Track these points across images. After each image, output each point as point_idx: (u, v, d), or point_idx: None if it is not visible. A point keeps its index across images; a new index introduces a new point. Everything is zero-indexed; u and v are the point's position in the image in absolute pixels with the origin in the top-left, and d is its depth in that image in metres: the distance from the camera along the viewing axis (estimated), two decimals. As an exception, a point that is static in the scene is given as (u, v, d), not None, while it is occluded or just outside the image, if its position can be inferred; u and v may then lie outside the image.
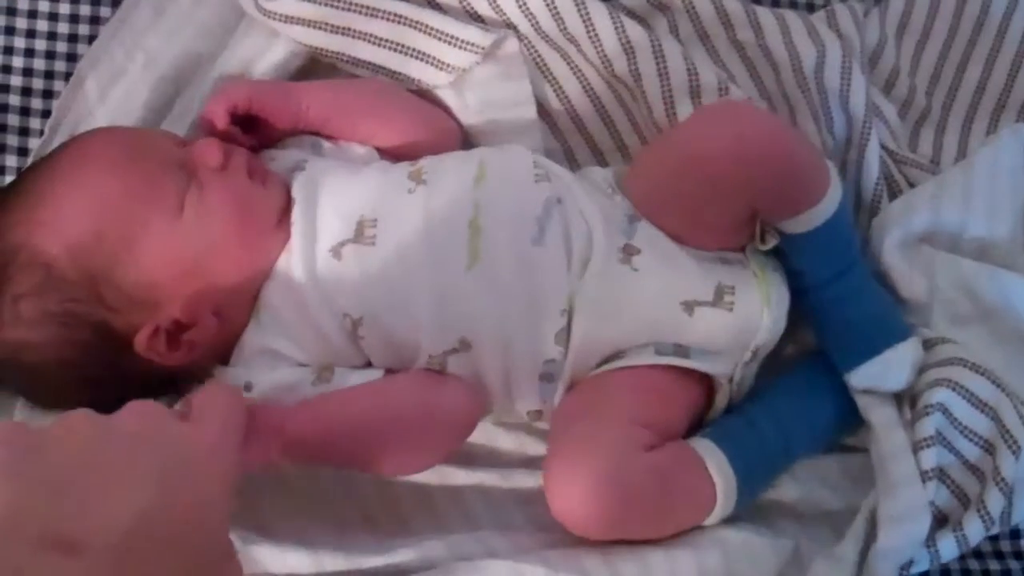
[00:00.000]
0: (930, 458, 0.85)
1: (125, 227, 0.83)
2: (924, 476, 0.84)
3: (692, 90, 0.96)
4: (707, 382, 0.90)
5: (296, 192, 0.89)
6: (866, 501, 0.87)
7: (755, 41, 1.00)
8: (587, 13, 0.96)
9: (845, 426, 0.93)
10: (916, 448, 0.85)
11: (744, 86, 0.99)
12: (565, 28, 0.97)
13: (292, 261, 0.86)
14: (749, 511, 0.88)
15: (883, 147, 0.99)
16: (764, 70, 1.00)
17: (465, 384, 0.87)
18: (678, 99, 0.96)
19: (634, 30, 0.96)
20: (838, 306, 0.90)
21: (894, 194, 0.98)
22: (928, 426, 0.86)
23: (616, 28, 0.96)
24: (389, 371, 0.88)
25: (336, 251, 0.86)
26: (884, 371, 0.89)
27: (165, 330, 0.85)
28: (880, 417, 0.88)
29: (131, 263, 0.83)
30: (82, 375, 0.86)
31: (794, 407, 0.91)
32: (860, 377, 0.90)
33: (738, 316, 0.88)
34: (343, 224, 0.87)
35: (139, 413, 0.67)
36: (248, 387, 0.86)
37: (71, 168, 0.86)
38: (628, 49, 0.96)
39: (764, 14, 1.01)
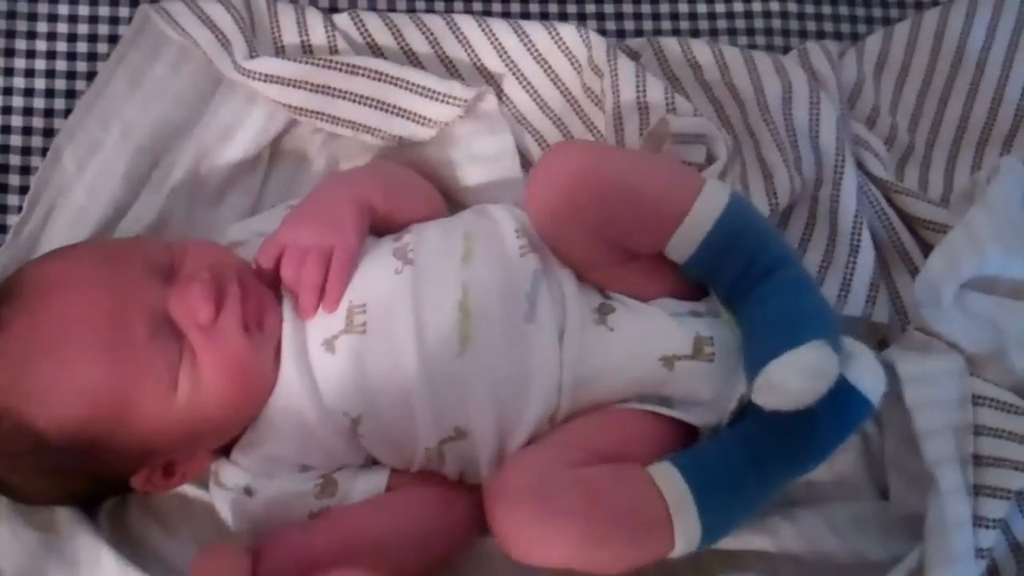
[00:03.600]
0: (990, 538, 0.82)
1: (117, 408, 0.80)
2: (979, 553, 0.81)
3: (640, 107, 0.97)
4: (692, 432, 0.87)
5: (284, 290, 0.86)
6: (911, 555, 0.83)
7: (721, 80, 1.01)
8: (564, 45, 0.99)
9: (838, 430, 0.84)
10: (977, 522, 0.82)
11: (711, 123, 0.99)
12: (549, 66, 0.99)
13: (286, 369, 0.84)
14: (755, 561, 0.85)
15: (873, 178, 0.99)
16: (730, 107, 1.00)
17: (470, 501, 0.86)
18: (626, 116, 0.97)
19: (599, 51, 0.98)
20: (742, 317, 0.84)
21: (887, 227, 0.98)
22: (997, 509, 0.82)
23: (588, 52, 0.99)
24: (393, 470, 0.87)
25: (329, 344, 0.84)
26: (771, 385, 0.79)
27: (161, 467, 0.84)
28: (948, 482, 0.82)
29: (125, 435, 0.81)
30: (70, 494, 0.86)
31: (762, 416, 0.82)
32: (757, 395, 0.80)
33: (719, 366, 0.86)
34: (332, 313, 0.85)
35: None
36: (249, 492, 0.85)
37: (51, 333, 0.80)
38: (600, 75, 0.98)
39: (731, 53, 1.02)
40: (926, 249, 0.96)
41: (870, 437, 0.91)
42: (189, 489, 0.89)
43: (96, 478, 0.84)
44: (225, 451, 0.87)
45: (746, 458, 0.82)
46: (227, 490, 0.85)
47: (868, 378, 0.81)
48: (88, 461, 0.81)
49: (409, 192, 0.94)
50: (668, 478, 0.80)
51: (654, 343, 0.86)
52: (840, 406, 0.81)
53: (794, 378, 0.78)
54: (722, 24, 1.09)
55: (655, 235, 0.84)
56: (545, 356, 0.84)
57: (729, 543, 0.85)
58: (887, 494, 0.89)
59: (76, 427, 0.79)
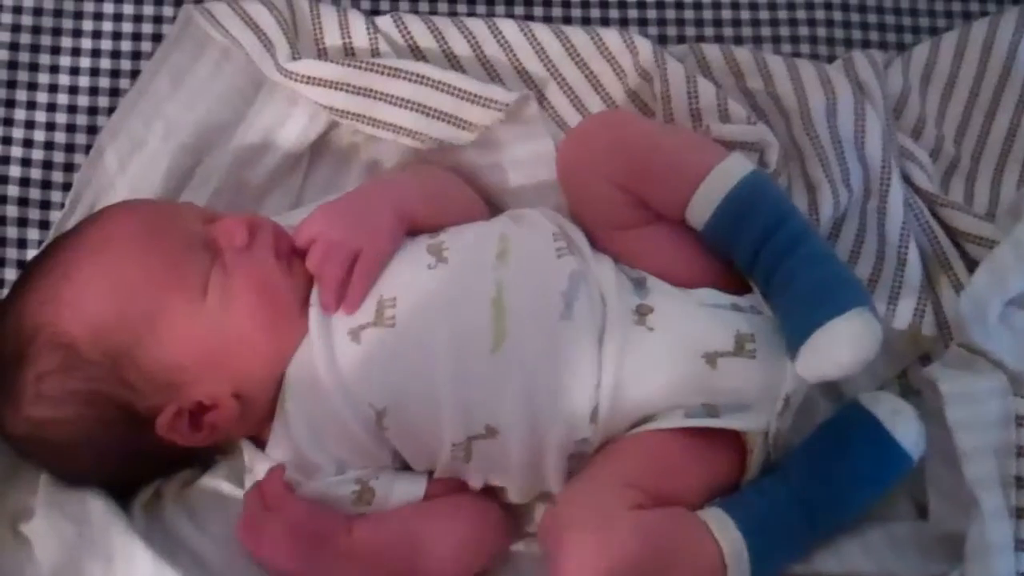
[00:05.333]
0: None
1: (147, 309, 0.83)
2: None
3: (692, 113, 0.96)
4: (740, 444, 0.87)
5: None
6: None
7: (764, 89, 1.00)
8: (608, 51, 0.99)
9: (881, 484, 0.87)
10: (1019, 546, 0.81)
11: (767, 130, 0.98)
12: (591, 72, 0.99)
13: (312, 348, 0.85)
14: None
15: (918, 190, 0.98)
16: (774, 118, 1.00)
17: (503, 511, 0.88)
18: (678, 121, 0.97)
19: (647, 55, 0.98)
20: (773, 290, 0.85)
21: (932, 240, 0.96)
22: None
23: (633, 58, 0.98)
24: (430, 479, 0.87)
25: (355, 334, 0.85)
26: (817, 354, 0.81)
27: (187, 412, 0.84)
28: (990, 504, 0.81)
29: (153, 344, 0.82)
30: (104, 452, 0.86)
31: (813, 467, 0.86)
32: (801, 365, 0.82)
33: (762, 363, 0.85)
34: (362, 305, 0.85)
35: None
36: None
37: (94, 247, 0.85)
38: (647, 79, 0.98)
39: (774, 61, 1.01)
40: (971, 263, 0.95)
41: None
42: (225, 485, 0.89)
43: (124, 410, 0.83)
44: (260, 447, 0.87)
45: (792, 507, 0.84)
46: None
47: (911, 435, 0.83)
48: (117, 382, 0.82)
49: (451, 202, 0.94)
50: (723, 527, 0.81)
51: (695, 340, 0.85)
52: (883, 458, 0.84)
53: (841, 345, 0.79)
54: (766, 31, 1.08)
55: (676, 192, 0.86)
56: (581, 354, 0.84)
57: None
58: (925, 512, 0.88)
59: (107, 331, 0.81)
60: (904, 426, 0.83)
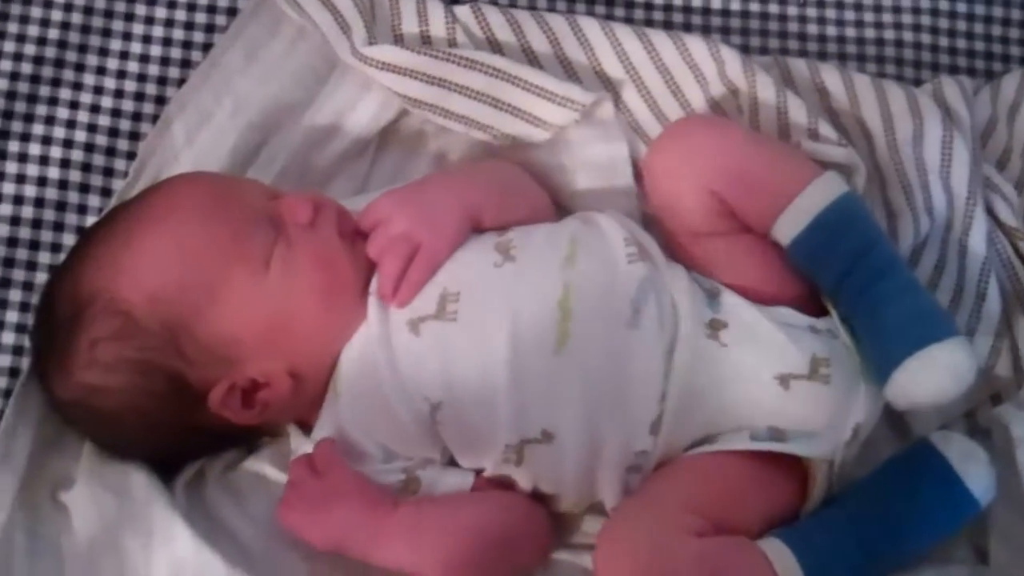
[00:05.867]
0: None
1: (209, 280, 0.82)
2: None
3: (780, 127, 0.95)
4: (803, 472, 0.85)
5: None
6: None
7: (849, 109, 0.98)
8: (691, 58, 0.97)
9: (947, 528, 0.85)
10: None
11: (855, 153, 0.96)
12: (671, 78, 0.97)
13: (369, 334, 0.84)
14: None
15: (1000, 224, 0.95)
16: (857, 139, 0.97)
17: (548, 515, 0.86)
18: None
19: (734, 66, 0.95)
20: (861, 314, 0.84)
21: (1012, 277, 0.94)
22: None
23: (718, 67, 0.96)
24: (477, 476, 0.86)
25: (414, 326, 0.84)
26: (913, 380, 0.79)
27: (240, 388, 0.83)
28: None
29: (212, 316, 0.82)
30: (152, 424, 0.85)
31: (878, 504, 0.84)
32: (893, 390, 0.80)
33: (836, 389, 0.84)
34: (424, 297, 0.84)
35: None
36: None
37: (158, 215, 0.84)
38: (732, 90, 0.96)
39: (861, 81, 0.99)
40: (1053, 304, 0.92)
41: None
42: (269, 469, 0.88)
43: (177, 382, 0.83)
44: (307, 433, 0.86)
45: (853, 544, 0.82)
46: None
47: (982, 481, 0.82)
48: (172, 352, 0.82)
49: (521, 200, 0.93)
50: (783, 561, 0.79)
51: (769, 360, 0.84)
52: (950, 502, 0.83)
53: (939, 373, 0.78)
54: (851, 49, 1.06)
55: (769, 204, 0.84)
56: (647, 364, 0.82)
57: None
58: (985, 556, 0.86)
59: (166, 300, 0.81)
60: (975, 471, 0.82)
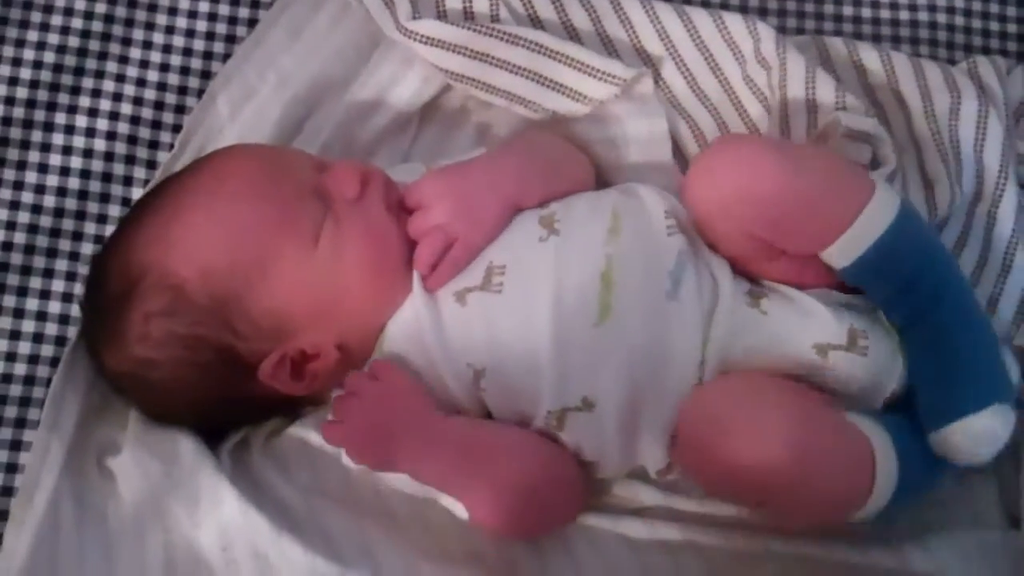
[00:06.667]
0: None
1: (259, 256, 0.83)
2: None
3: (808, 104, 0.95)
4: None
5: None
6: None
7: (887, 84, 0.99)
8: (729, 35, 0.98)
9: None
10: None
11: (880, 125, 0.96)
12: (710, 55, 0.98)
13: (416, 304, 0.85)
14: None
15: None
16: (893, 114, 0.99)
17: (583, 473, 0.87)
18: (793, 112, 0.95)
19: (768, 43, 0.96)
20: (913, 345, 0.84)
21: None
22: None
23: (754, 44, 0.97)
24: None
25: (461, 296, 0.85)
26: (951, 446, 0.80)
27: (290, 360, 0.84)
28: None
29: (262, 292, 0.83)
30: (200, 394, 0.86)
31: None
32: (935, 446, 0.81)
33: (874, 362, 0.85)
34: (471, 270, 0.86)
35: None
36: None
37: (208, 189, 0.85)
38: (767, 68, 0.96)
39: (899, 60, 1.00)
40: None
41: (1004, 466, 0.89)
42: (313, 436, 0.89)
43: (226, 355, 0.84)
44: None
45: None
46: None
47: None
48: (222, 327, 0.83)
49: (563, 178, 0.92)
50: (869, 424, 0.80)
51: (808, 329, 0.84)
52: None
53: (977, 443, 0.80)
54: (886, 31, 1.07)
55: (814, 243, 0.82)
56: (686, 335, 0.83)
57: (853, 557, 0.85)
58: (1017, 523, 0.88)
59: (217, 276, 0.82)
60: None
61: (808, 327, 0.85)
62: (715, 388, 0.83)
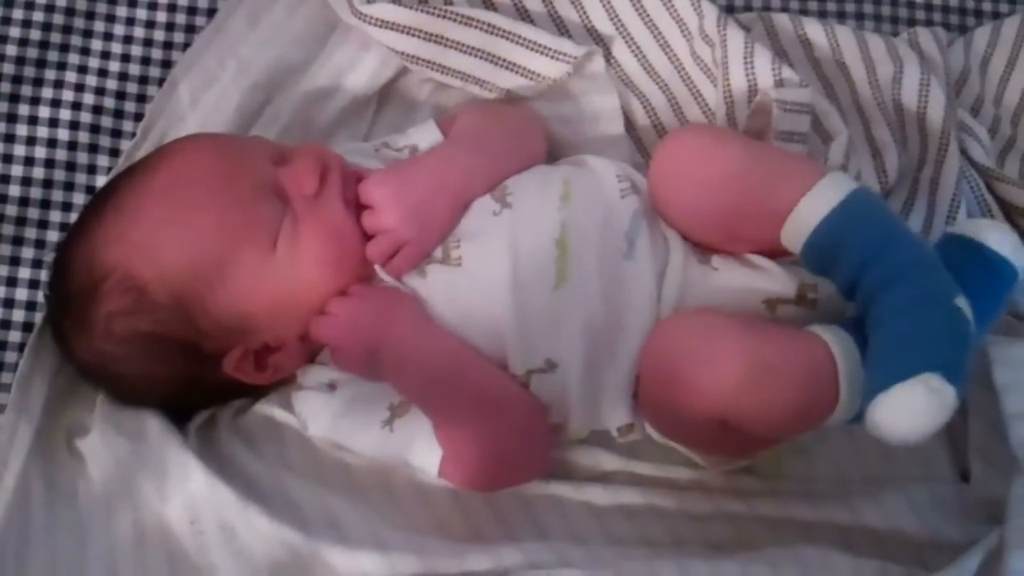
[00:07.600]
0: None
1: (218, 261, 0.84)
2: None
3: (748, 78, 0.96)
4: None
5: None
6: (990, 536, 0.81)
7: (832, 57, 1.01)
8: (676, 13, 1.00)
9: (983, 309, 0.80)
10: None
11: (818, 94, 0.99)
12: (659, 32, 1.00)
13: (378, 279, 0.87)
14: (832, 533, 0.85)
15: (974, 163, 0.99)
16: (839, 85, 1.01)
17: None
18: (735, 86, 0.97)
19: (711, 19, 0.98)
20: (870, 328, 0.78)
21: (986, 214, 0.98)
22: None
23: (699, 20, 0.99)
24: None
25: (420, 270, 0.87)
26: (878, 420, 0.72)
27: (254, 352, 0.86)
28: None
29: (223, 293, 0.84)
30: (165, 385, 0.88)
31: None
32: (867, 425, 0.73)
33: (822, 314, 0.85)
34: None
35: None
36: (332, 386, 0.87)
37: (165, 188, 0.85)
38: (707, 41, 0.99)
39: (843, 32, 1.02)
40: (1025, 238, 0.96)
41: (953, 420, 0.89)
42: (278, 412, 0.90)
43: (190, 351, 0.85)
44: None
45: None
46: (309, 389, 0.88)
47: (1007, 244, 0.81)
48: (185, 325, 0.84)
49: (514, 156, 0.93)
50: (825, 328, 0.79)
51: (758, 283, 0.86)
52: (987, 273, 0.81)
53: (900, 417, 0.71)
54: (832, 7, 1.09)
55: (768, 227, 0.82)
56: (641, 293, 0.85)
57: (807, 513, 0.86)
58: (967, 477, 0.89)
59: (178, 278, 0.83)
60: (998, 237, 0.82)
61: (757, 281, 0.86)
62: (671, 321, 0.84)
